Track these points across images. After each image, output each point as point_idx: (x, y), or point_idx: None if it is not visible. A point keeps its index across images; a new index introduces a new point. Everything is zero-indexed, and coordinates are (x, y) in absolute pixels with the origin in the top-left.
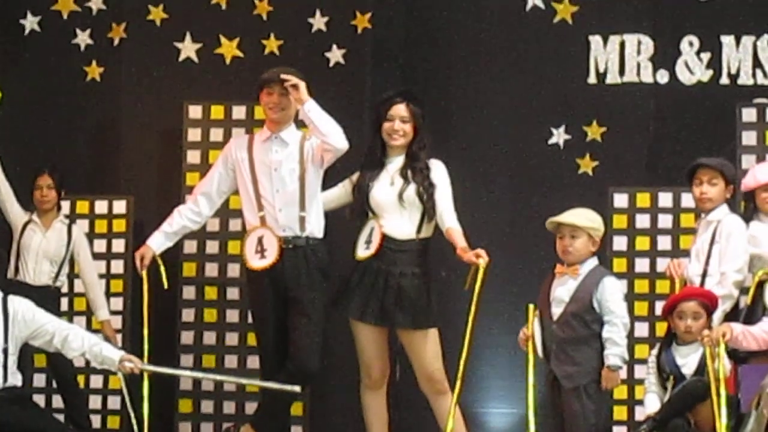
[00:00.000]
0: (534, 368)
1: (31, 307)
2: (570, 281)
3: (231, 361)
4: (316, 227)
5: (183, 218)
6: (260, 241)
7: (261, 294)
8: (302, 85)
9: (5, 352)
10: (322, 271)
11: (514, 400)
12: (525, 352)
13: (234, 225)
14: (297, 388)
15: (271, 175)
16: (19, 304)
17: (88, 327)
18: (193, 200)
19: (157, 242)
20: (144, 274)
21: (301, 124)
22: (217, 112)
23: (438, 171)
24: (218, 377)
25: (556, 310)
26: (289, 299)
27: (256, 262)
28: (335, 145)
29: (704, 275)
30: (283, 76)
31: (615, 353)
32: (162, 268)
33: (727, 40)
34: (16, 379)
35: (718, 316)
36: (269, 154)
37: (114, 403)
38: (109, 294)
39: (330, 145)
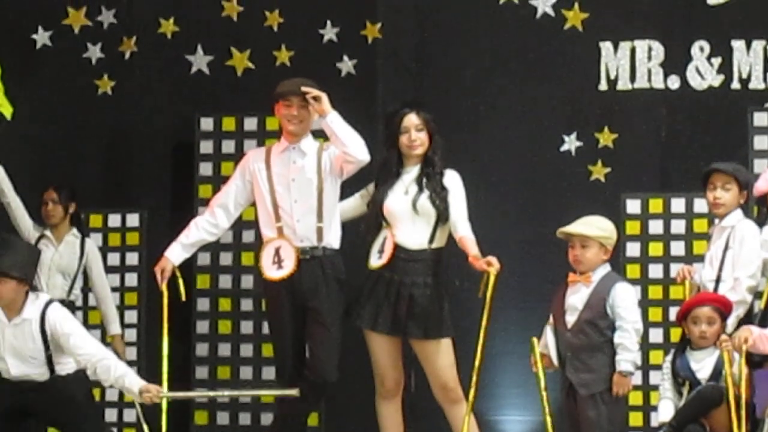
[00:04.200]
0: (547, 394)
1: (66, 332)
2: (583, 289)
3: (246, 372)
4: (333, 238)
5: (200, 230)
6: (277, 251)
7: (278, 305)
8: (324, 96)
9: (50, 357)
10: (339, 281)
11: (528, 408)
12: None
13: (247, 236)
14: (295, 391)
15: (289, 186)
16: (54, 323)
17: (102, 341)
18: (210, 212)
19: (176, 254)
20: (164, 287)
21: (317, 134)
22: (228, 123)
23: (453, 180)
24: (232, 393)
25: (570, 318)
26: (307, 310)
27: (273, 273)
28: (357, 157)
29: (718, 281)
30: (304, 88)
31: (626, 359)
32: (180, 281)
33: (738, 45)
34: (63, 369)
35: (731, 321)
36: (288, 164)
37: (129, 415)
38: (123, 307)
39: (352, 156)
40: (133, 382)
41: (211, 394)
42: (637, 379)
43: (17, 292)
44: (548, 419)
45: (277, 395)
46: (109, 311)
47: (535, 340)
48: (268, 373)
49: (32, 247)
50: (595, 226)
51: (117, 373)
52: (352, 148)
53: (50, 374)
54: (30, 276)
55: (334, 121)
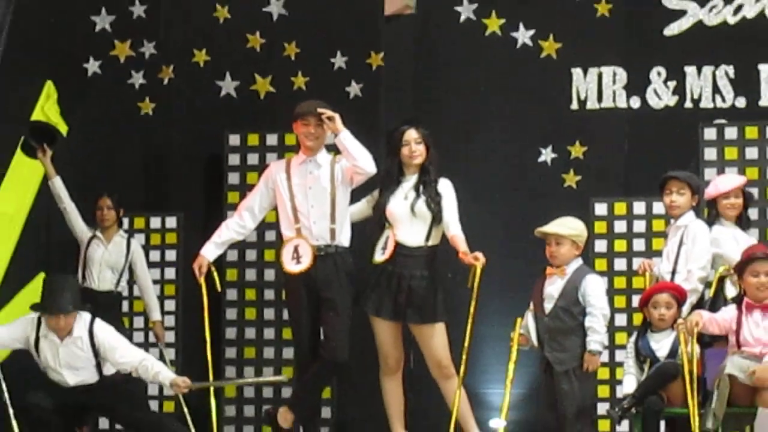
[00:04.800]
0: (514, 367)
1: (114, 346)
2: (558, 280)
3: (269, 353)
4: (344, 237)
5: (230, 231)
6: (296, 249)
7: (297, 295)
8: (337, 117)
9: (98, 365)
10: (349, 274)
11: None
12: (518, 347)
13: (269, 236)
14: (283, 378)
15: (306, 193)
16: (103, 339)
17: (146, 325)
18: (238, 215)
19: (210, 252)
20: (202, 280)
21: (330, 148)
22: (253, 139)
23: (445, 187)
24: (236, 381)
25: (548, 306)
26: (322, 299)
27: (292, 267)
28: (366, 170)
29: (674, 273)
30: (320, 110)
31: (595, 339)
32: (215, 274)
33: (690, 70)
34: (109, 370)
35: (685, 308)
36: (305, 174)
37: (169, 390)
38: (163, 297)
39: (361, 169)
40: (165, 377)
41: (222, 383)
42: (604, 357)
43: (73, 320)
44: (508, 384)
45: (268, 382)
46: (151, 301)
47: (518, 319)
48: (288, 353)
49: (75, 279)
50: (567, 226)
51: (153, 371)
52: (362, 161)
53: (99, 376)
54: (80, 305)
55: (347, 138)
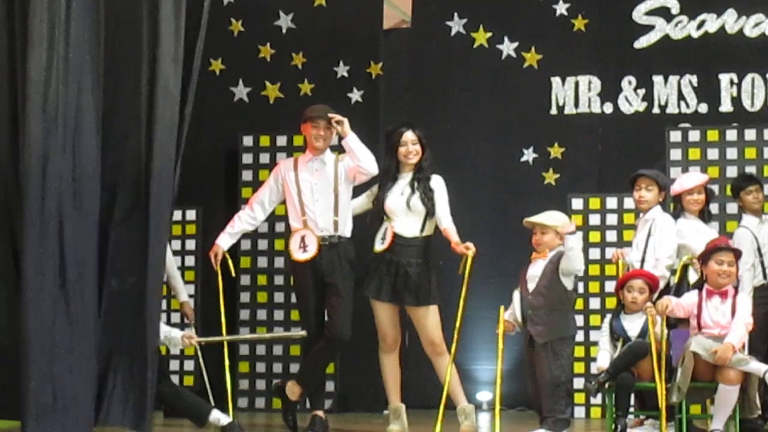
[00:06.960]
0: (502, 353)
1: None
2: (540, 262)
3: (278, 332)
4: (346, 228)
5: (242, 222)
6: (303, 239)
7: (304, 280)
8: (346, 121)
9: None
10: (351, 262)
11: (496, 360)
12: (504, 332)
13: (279, 227)
14: (303, 333)
15: (312, 188)
16: None
17: (170, 308)
18: (249, 208)
19: (224, 241)
20: (218, 267)
21: (334, 149)
22: (264, 140)
23: (438, 183)
24: (251, 336)
25: (531, 285)
26: (326, 284)
27: (300, 256)
28: (368, 170)
29: (642, 261)
30: (330, 114)
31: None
32: (230, 261)
33: (658, 79)
34: None
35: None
36: (312, 171)
37: (189, 365)
38: (184, 281)
39: (364, 169)
40: (177, 332)
41: (235, 338)
42: (580, 336)
43: None
44: (499, 363)
45: (286, 337)
46: (178, 284)
47: (501, 308)
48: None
49: None
50: (552, 218)
51: (163, 331)
52: (365, 163)
53: None
54: None
55: (353, 141)
